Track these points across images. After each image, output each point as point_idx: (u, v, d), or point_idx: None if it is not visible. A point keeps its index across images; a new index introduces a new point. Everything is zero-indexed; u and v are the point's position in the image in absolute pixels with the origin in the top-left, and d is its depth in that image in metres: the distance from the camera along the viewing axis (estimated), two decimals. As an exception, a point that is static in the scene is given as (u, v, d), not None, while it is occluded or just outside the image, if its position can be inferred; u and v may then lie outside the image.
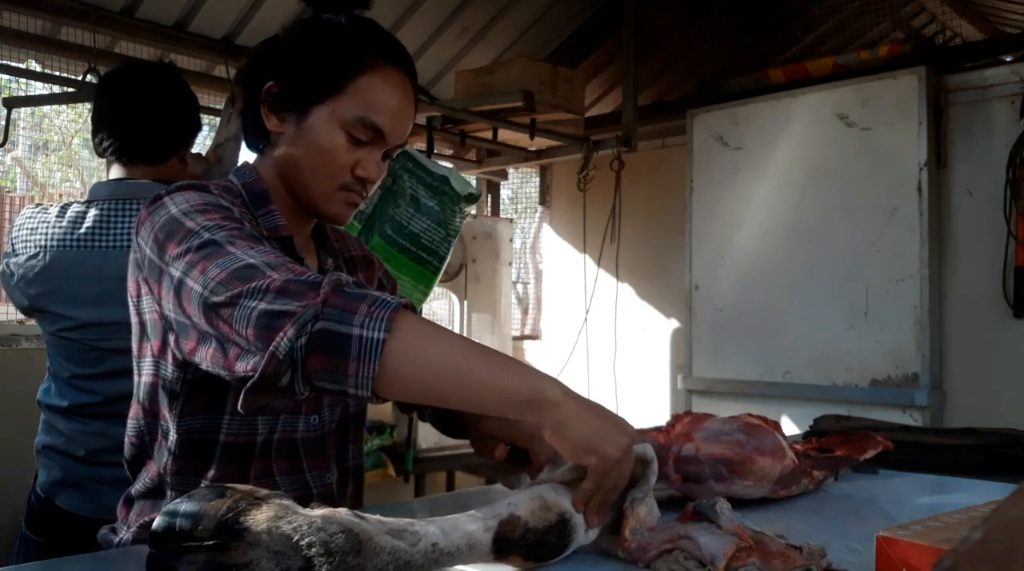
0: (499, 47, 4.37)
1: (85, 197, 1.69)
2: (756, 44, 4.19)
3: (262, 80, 1.13)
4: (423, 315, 1.05)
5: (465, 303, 4.42)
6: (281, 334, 0.82)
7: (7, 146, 3.02)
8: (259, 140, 1.19)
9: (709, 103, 3.79)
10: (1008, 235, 3.03)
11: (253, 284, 0.87)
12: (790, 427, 3.29)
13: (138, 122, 1.69)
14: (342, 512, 0.76)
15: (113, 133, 1.69)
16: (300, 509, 0.74)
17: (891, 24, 3.61)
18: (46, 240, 1.62)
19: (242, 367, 0.87)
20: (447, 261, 3.06)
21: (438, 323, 0.98)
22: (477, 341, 0.95)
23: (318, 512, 0.75)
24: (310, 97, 1.10)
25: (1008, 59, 3.23)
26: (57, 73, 3.08)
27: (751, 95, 3.64)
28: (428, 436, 3.66)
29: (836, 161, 3.35)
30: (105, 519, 1.27)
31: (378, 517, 0.80)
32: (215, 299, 0.89)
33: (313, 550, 0.70)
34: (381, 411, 3.67)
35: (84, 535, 1.43)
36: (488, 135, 4.04)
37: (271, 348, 0.82)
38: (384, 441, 3.60)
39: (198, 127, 1.81)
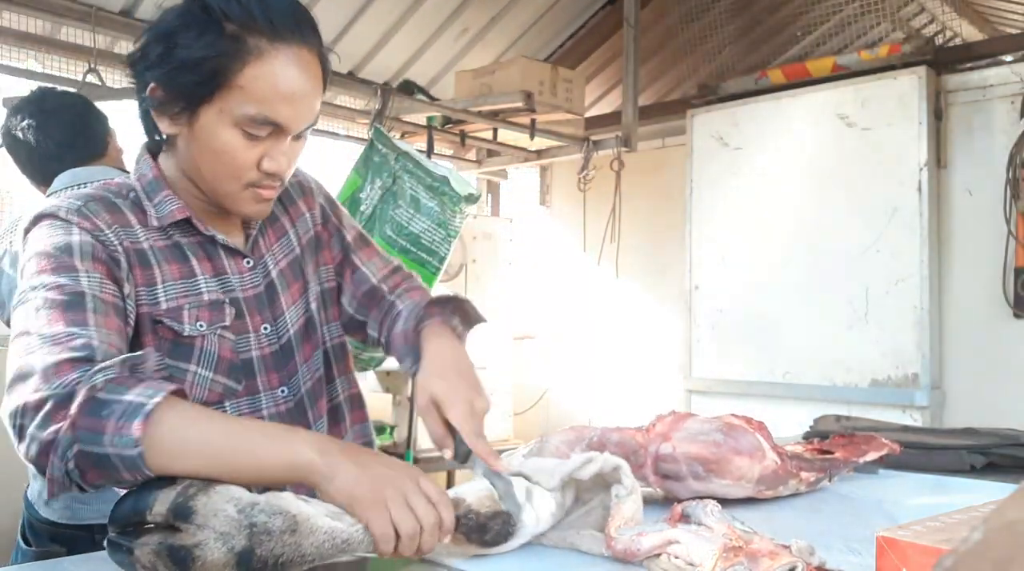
0: (499, 47, 4.37)
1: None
2: (756, 44, 4.20)
3: (145, 81, 1.02)
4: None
5: (465, 303, 4.41)
6: (49, 463, 0.85)
7: (7, 146, 3.02)
8: (158, 139, 1.11)
9: (709, 103, 3.79)
10: (1008, 235, 3.02)
11: (20, 402, 0.86)
12: (790, 427, 3.28)
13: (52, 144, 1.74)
14: (287, 495, 0.83)
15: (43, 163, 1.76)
16: (246, 494, 0.82)
17: (891, 24, 3.61)
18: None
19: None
20: (447, 261, 3.06)
21: (190, 409, 0.89)
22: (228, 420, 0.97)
23: (263, 496, 0.82)
24: (194, 98, 0.99)
25: (1008, 59, 3.23)
26: (57, 73, 3.08)
27: (751, 95, 3.64)
28: (428, 436, 3.65)
29: (836, 161, 3.35)
30: (79, 527, 1.22)
31: (323, 502, 0.86)
32: (5, 401, 0.89)
33: (255, 530, 0.79)
34: (381, 411, 3.67)
35: (67, 544, 1.41)
36: (488, 135, 4.05)
37: (47, 474, 0.85)
38: (384, 441, 3.60)
39: (97, 125, 1.84)
